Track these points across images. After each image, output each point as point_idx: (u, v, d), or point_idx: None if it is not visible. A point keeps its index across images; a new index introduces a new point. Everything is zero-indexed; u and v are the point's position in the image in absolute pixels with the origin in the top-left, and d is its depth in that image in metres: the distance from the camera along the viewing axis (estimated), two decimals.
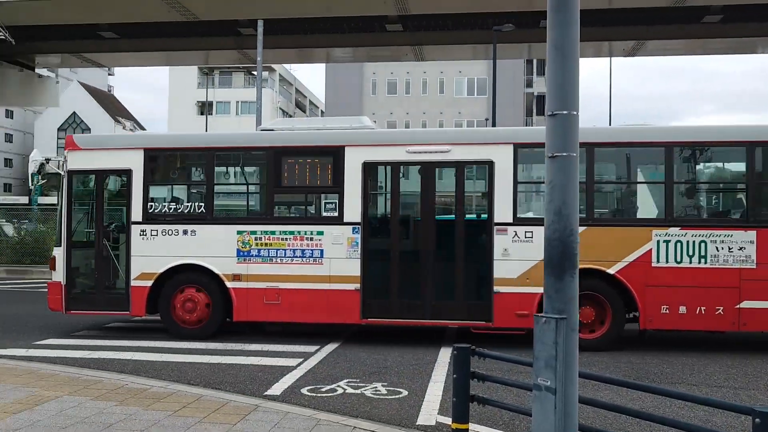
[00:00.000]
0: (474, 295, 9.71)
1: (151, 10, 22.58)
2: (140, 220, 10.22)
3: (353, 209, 9.77)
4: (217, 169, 10.47)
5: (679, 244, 9.23)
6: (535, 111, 57.04)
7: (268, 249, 9.96)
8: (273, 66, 62.00)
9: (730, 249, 9.16)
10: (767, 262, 9.08)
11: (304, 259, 9.84)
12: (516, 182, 9.52)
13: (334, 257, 9.78)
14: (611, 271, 9.28)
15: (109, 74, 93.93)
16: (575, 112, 3.91)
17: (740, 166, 9.71)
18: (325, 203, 10.09)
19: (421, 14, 23.24)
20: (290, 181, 10.05)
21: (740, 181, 9.74)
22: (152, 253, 10.17)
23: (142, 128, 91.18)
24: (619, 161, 10.16)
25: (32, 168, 10.73)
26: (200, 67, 62.06)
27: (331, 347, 9.60)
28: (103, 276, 10.47)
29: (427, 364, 8.50)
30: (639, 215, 9.89)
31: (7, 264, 22.51)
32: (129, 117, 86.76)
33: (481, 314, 9.57)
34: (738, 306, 9.14)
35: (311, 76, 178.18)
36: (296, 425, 5.58)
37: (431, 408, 6.50)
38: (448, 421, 5.77)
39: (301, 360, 8.67)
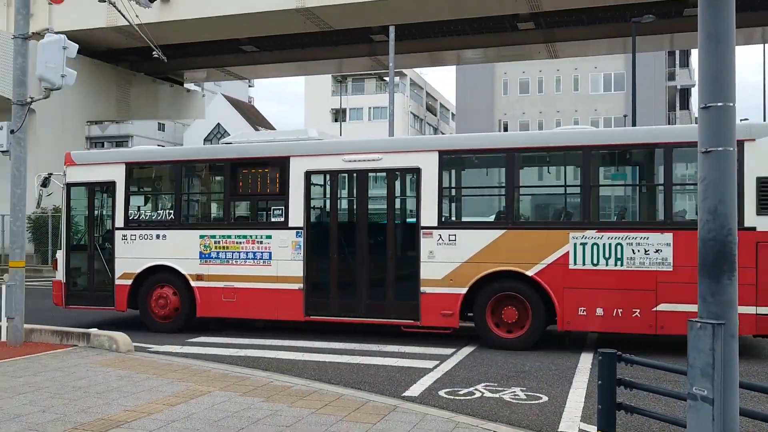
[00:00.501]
0: (403, 295, 10.14)
1: (288, 22, 23.53)
2: (122, 226, 11.52)
3: (297, 215, 10.54)
4: (183, 179, 11.64)
5: (595, 247, 9.27)
6: (678, 105, 53.93)
7: (225, 252, 10.95)
8: (404, 71, 62.68)
9: (646, 251, 9.10)
10: (684, 265, 8.81)
11: (255, 261, 10.75)
12: (441, 188, 9.95)
13: (281, 259, 10.59)
14: (530, 273, 9.43)
15: (250, 86, 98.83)
16: (731, 104, 3.66)
17: (658, 169, 9.54)
18: (273, 209, 10.89)
19: (554, 10, 22.68)
20: (244, 190, 11.06)
21: (657, 184, 9.60)
22: (132, 255, 11.41)
23: None
24: (540, 165, 10.37)
25: (37, 182, 11.81)
26: (334, 75, 63.86)
27: (467, 350, 9.55)
28: (95, 276, 11.80)
29: (567, 370, 8.25)
30: (557, 218, 10.04)
31: None
32: (268, 126, 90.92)
33: (409, 313, 10.05)
34: (655, 309, 9.04)
35: (442, 79, 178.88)
36: (435, 427, 5.58)
37: (573, 415, 6.29)
38: (591, 429, 5.57)
39: (437, 362, 8.68)
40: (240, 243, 10.88)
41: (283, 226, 10.61)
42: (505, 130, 56.62)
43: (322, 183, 10.98)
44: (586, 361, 8.72)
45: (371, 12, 22.72)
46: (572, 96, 54.97)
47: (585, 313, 9.30)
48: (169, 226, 11.34)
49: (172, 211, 11.45)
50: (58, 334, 9.50)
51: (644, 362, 4.71)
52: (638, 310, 9.08)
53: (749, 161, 8.70)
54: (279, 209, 10.77)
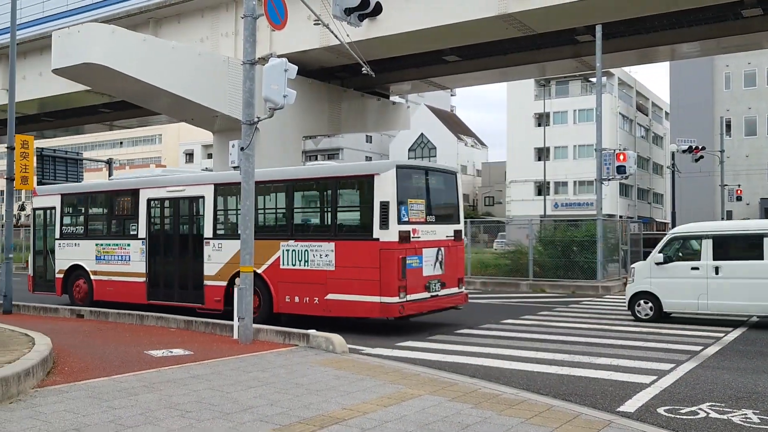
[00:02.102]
0: (196, 286, 13.93)
1: (491, 30, 23.52)
2: (59, 237, 16.66)
3: (143, 229, 14.93)
4: (89, 205, 16.79)
5: (294, 252, 12.48)
6: None
7: (106, 255, 15.59)
8: (611, 70, 59.95)
9: (321, 256, 12.11)
10: (342, 266, 11.84)
11: (122, 261, 15.23)
12: (215, 210, 13.93)
13: (135, 260, 15.01)
14: (260, 271, 12.48)
15: (451, 95, 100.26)
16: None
17: (327, 196, 12.60)
18: (131, 225, 15.26)
19: None
20: (119, 212, 15.84)
21: (327, 207, 12.66)
22: (64, 257, 16.52)
23: (482, 144, 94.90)
24: (266, 194, 13.40)
25: (16, 208, 16.18)
26: (537, 79, 62.74)
27: (688, 366, 8.89)
28: (47, 272, 17.05)
29: None
30: (274, 232, 13.08)
31: None
32: (470, 134, 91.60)
33: (199, 299, 13.85)
34: (326, 297, 12.03)
35: (653, 76, 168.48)
36: None
37: None
38: None
39: (655, 378, 8.17)
40: (114, 249, 15.49)
41: (136, 237, 15.04)
42: (728, 127, 52.00)
43: (155, 207, 14.99)
44: None
45: (576, 12, 22.00)
46: None
47: (289, 300, 12.51)
48: (81, 237, 16.30)
49: (82, 227, 16.45)
50: (281, 333, 10.28)
51: None
52: (317, 298, 12.14)
53: (377, 190, 11.50)
54: (134, 225, 15.14)
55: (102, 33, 24.67)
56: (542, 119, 65.61)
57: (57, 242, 16.62)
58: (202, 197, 13.96)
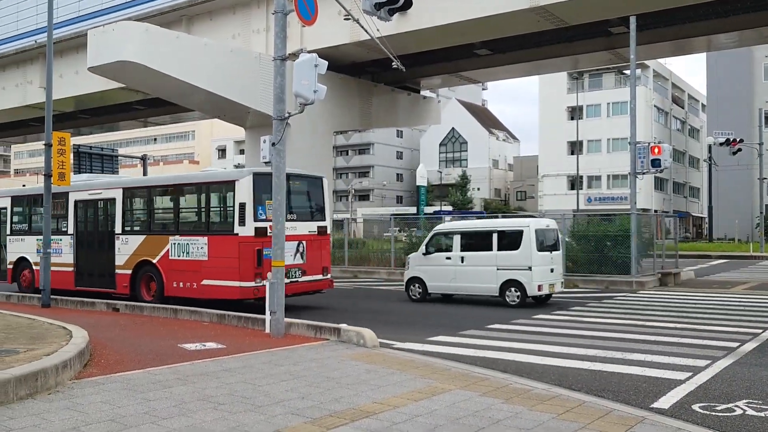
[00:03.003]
0: (110, 273, 16.14)
1: (522, 23, 23.31)
2: (9, 233, 19.25)
3: (71, 226, 17.27)
4: (33, 206, 18.91)
5: (179, 245, 14.74)
6: None
7: (58, 248, 17.27)
8: (646, 62, 59.00)
9: (198, 248, 14.40)
10: (213, 256, 14.13)
11: (57, 253, 16.93)
12: (123, 210, 16.13)
13: (65, 253, 17.27)
14: (155, 261, 15.07)
15: (483, 89, 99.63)
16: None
17: (203, 198, 15.05)
18: (63, 223, 17.52)
19: None
20: (55, 212, 16.94)
21: (202, 208, 15.09)
22: (13, 251, 18.99)
23: (514, 138, 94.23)
24: (160, 195, 16.03)
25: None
26: (569, 72, 62.02)
27: (724, 363, 8.73)
28: (2, 263, 19.38)
29: None
30: (165, 229, 15.39)
31: (401, 267, 25.28)
32: (502, 128, 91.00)
33: (112, 285, 16.07)
34: (202, 282, 14.23)
35: (689, 68, 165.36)
36: None
37: None
38: None
39: (689, 374, 8.04)
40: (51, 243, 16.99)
41: (66, 233, 17.36)
42: (767, 119, 50.82)
43: (81, 207, 17.25)
44: None
45: (610, 3, 21.68)
46: None
47: (176, 285, 14.68)
48: (26, 233, 18.78)
49: (26, 225, 18.97)
50: (313, 327, 10.35)
51: None
52: (195, 283, 14.34)
53: (237, 193, 13.85)
54: (65, 223, 17.44)
55: (136, 31, 25.00)
56: (575, 112, 64.87)
57: (8, 238, 19.29)
58: (114, 199, 16.29)
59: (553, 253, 15.55)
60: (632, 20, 20.49)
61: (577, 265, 20.95)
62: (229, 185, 14.20)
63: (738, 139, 37.17)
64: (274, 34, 10.75)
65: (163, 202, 16.12)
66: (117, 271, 15.93)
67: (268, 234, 12.87)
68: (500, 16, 22.73)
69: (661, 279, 20.66)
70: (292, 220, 14.13)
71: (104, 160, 27.49)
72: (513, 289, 15.00)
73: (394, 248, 25.66)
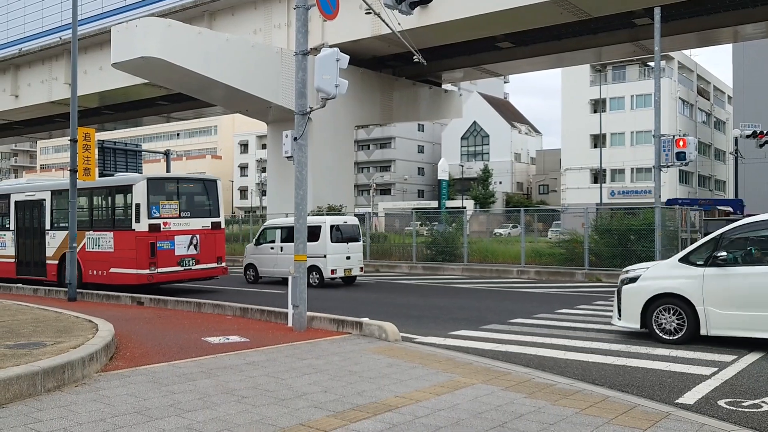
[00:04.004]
0: (42, 264, 18.80)
1: (545, 15, 23.13)
2: None
3: (13, 223, 19.89)
4: None
5: (93, 239, 17.42)
6: None
7: (3, 242, 20.18)
8: (670, 54, 58.23)
9: (106, 242, 17.08)
10: (118, 248, 16.82)
11: (1, 248, 20.11)
12: (52, 210, 18.80)
13: (8, 246, 19.94)
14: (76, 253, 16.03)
15: (505, 82, 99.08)
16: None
17: (114, 199, 17.55)
18: (6, 221, 20.19)
19: None
20: (2, 212, 20.30)
21: (109, 207, 17.78)
22: None
23: (536, 131, 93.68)
24: (82, 196, 17.50)
25: None
26: (592, 65, 61.42)
27: (751, 358, 8.62)
28: None
29: None
30: (84, 224, 17.46)
31: (423, 261, 25.31)
32: (524, 121, 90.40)
33: (44, 273, 18.70)
34: (110, 271, 16.89)
35: (715, 59, 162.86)
36: None
37: None
38: None
39: (715, 369, 7.95)
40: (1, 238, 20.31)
41: (9, 229, 20.03)
42: None
43: (20, 207, 19.84)
44: None
45: None
46: None
47: (92, 273, 17.23)
48: None
49: None
50: (335, 321, 10.38)
51: None
52: (105, 271, 16.99)
53: (134, 195, 16.56)
54: (8, 221, 20.08)
55: (159, 27, 25.19)
56: (598, 105, 64.22)
57: None
58: (44, 200, 19.04)
59: (350, 244, 18.92)
60: (656, 11, 20.23)
61: (601, 259, 20.80)
62: (128, 188, 16.86)
63: (765, 132, 36.58)
64: (295, 29, 10.76)
65: (81, 202, 18.03)
66: (48, 261, 18.76)
67: (162, 230, 16.56)
68: (522, 9, 22.58)
69: None
70: (186, 217, 17.18)
71: (128, 155, 27.75)
72: (314, 273, 18.26)
73: (415, 242, 25.67)
